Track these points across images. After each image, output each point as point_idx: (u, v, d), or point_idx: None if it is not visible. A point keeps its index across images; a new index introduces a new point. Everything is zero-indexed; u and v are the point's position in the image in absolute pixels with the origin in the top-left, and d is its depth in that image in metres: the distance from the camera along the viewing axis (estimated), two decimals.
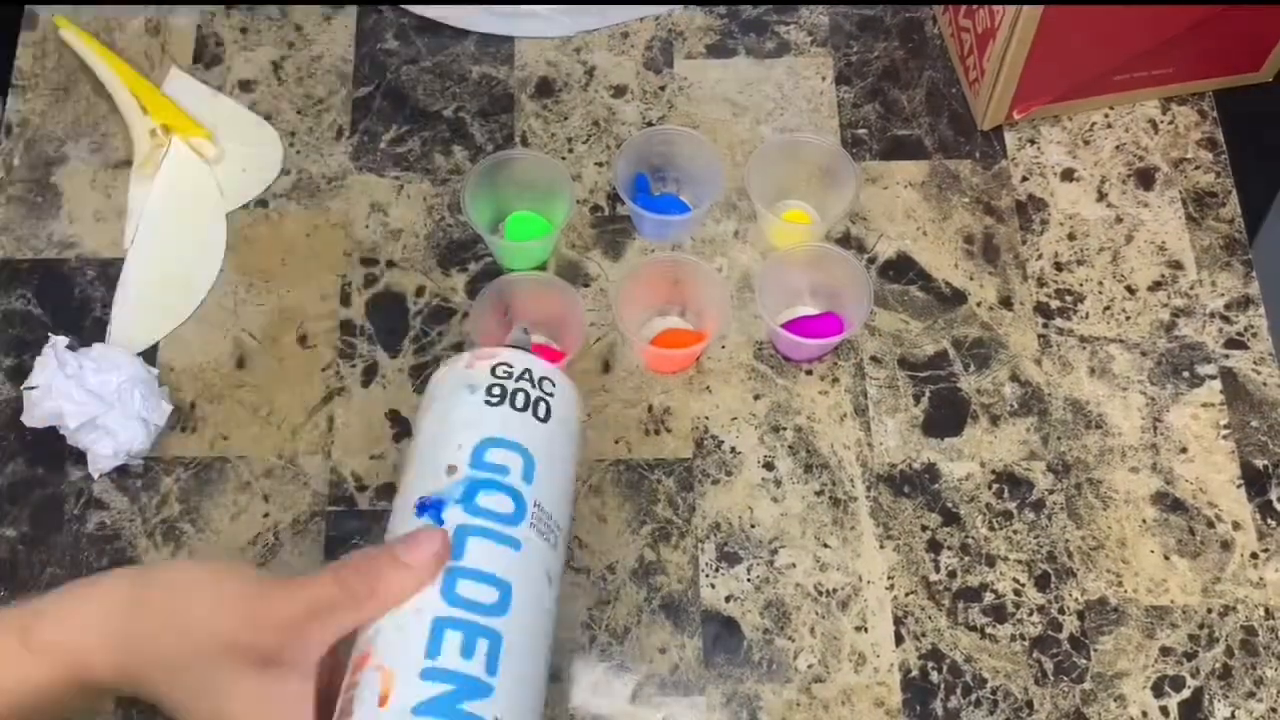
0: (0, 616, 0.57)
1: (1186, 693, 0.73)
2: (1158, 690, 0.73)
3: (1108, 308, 0.83)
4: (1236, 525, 0.77)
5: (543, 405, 0.58)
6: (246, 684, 0.53)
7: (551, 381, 0.58)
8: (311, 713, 0.53)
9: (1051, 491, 0.78)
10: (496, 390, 0.57)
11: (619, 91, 0.89)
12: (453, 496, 0.55)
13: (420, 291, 0.83)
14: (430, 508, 0.55)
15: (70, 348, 0.78)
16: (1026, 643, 0.74)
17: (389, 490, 0.76)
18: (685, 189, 0.85)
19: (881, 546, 0.76)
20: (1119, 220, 0.86)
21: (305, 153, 0.87)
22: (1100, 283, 0.84)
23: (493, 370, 0.58)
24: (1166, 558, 0.76)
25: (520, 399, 0.57)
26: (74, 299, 0.82)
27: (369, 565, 0.54)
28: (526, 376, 0.58)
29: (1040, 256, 0.84)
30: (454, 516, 0.54)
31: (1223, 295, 0.83)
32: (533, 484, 0.56)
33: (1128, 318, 0.83)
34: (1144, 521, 0.77)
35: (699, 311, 0.81)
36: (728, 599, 0.75)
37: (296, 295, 0.82)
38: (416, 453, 0.58)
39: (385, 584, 0.53)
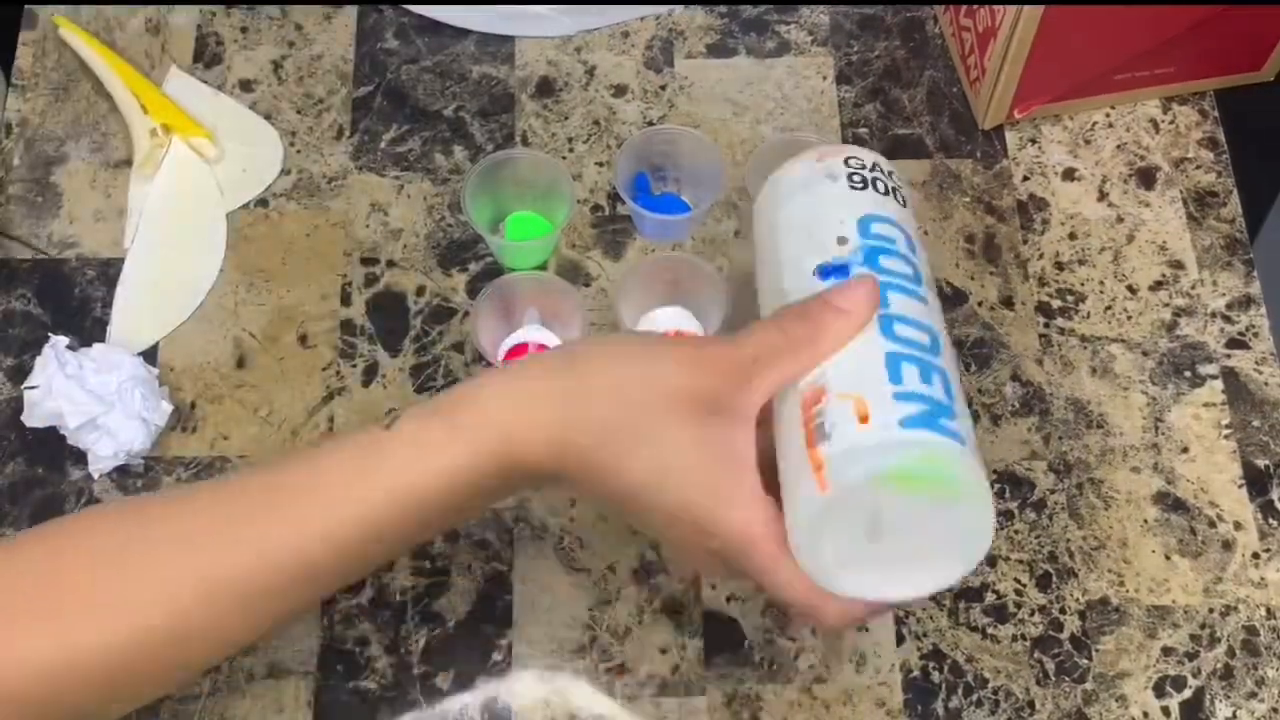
0: (424, 405, 0.57)
1: (1188, 693, 0.73)
2: (1159, 690, 0.73)
3: (1109, 307, 0.83)
4: (1238, 525, 0.77)
5: (899, 193, 0.62)
6: (689, 432, 0.54)
7: (896, 175, 0.63)
8: (754, 460, 0.54)
9: (1053, 491, 0.78)
10: (857, 178, 0.61)
11: (619, 91, 0.89)
12: (855, 260, 0.58)
13: (421, 291, 0.83)
14: (836, 270, 0.57)
15: (70, 348, 0.78)
16: (1028, 643, 0.74)
17: None
18: (686, 189, 0.85)
19: None
20: (1120, 220, 0.86)
21: (305, 152, 0.87)
22: (1101, 282, 0.84)
23: (845, 161, 0.62)
24: (1168, 558, 0.76)
25: (880, 185, 0.61)
26: (74, 299, 0.82)
27: (808, 313, 0.55)
28: (877, 169, 0.61)
29: (1041, 256, 0.84)
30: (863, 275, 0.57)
31: (1224, 295, 0.83)
32: (917, 256, 0.59)
33: (1129, 317, 0.83)
34: (1145, 521, 0.77)
35: (699, 311, 0.81)
36: (729, 599, 0.75)
37: (296, 295, 0.82)
38: (786, 237, 0.60)
39: (826, 329, 0.55)
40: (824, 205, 0.60)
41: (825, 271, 0.58)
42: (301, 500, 0.56)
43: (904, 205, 0.62)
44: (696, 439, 0.54)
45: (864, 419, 0.52)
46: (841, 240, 0.58)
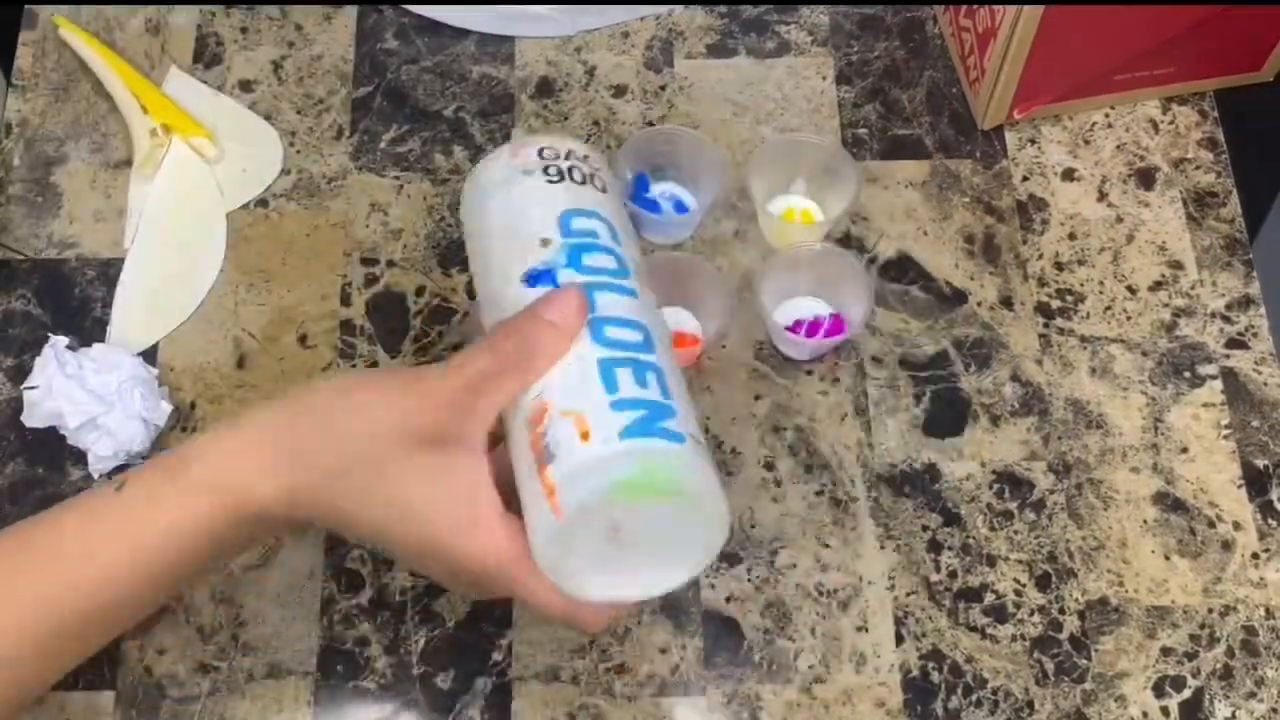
0: (154, 463, 0.58)
1: (1187, 693, 0.73)
2: (1158, 690, 0.73)
3: (1108, 308, 0.83)
4: (1237, 525, 0.77)
5: (597, 179, 0.62)
6: (419, 465, 0.54)
7: (589, 157, 0.63)
8: (489, 484, 0.55)
9: (1052, 491, 0.78)
10: (553, 170, 0.61)
11: (619, 91, 0.89)
12: (559, 262, 0.58)
13: (420, 291, 0.83)
14: (542, 276, 0.57)
15: (70, 348, 0.78)
16: (1027, 643, 0.74)
17: None
18: (686, 189, 0.85)
19: (882, 547, 0.76)
20: (1119, 220, 0.86)
21: (305, 152, 0.87)
22: (1101, 283, 0.84)
23: (539, 154, 0.62)
24: (1167, 558, 0.76)
25: (577, 175, 0.61)
26: (74, 299, 0.82)
27: (518, 331, 0.55)
28: (572, 156, 0.61)
29: (1041, 256, 0.84)
30: (569, 278, 0.57)
31: (1223, 295, 0.83)
32: (621, 245, 0.60)
33: (1128, 318, 0.83)
34: (1145, 522, 0.77)
35: (699, 311, 0.81)
36: (728, 599, 0.75)
37: (296, 295, 0.82)
38: (492, 242, 0.60)
39: (538, 344, 0.55)
40: (524, 204, 0.60)
41: (533, 278, 0.58)
42: (46, 564, 0.57)
43: (604, 191, 0.62)
44: (427, 473, 0.54)
45: (585, 436, 0.53)
46: (545, 241, 0.59)
